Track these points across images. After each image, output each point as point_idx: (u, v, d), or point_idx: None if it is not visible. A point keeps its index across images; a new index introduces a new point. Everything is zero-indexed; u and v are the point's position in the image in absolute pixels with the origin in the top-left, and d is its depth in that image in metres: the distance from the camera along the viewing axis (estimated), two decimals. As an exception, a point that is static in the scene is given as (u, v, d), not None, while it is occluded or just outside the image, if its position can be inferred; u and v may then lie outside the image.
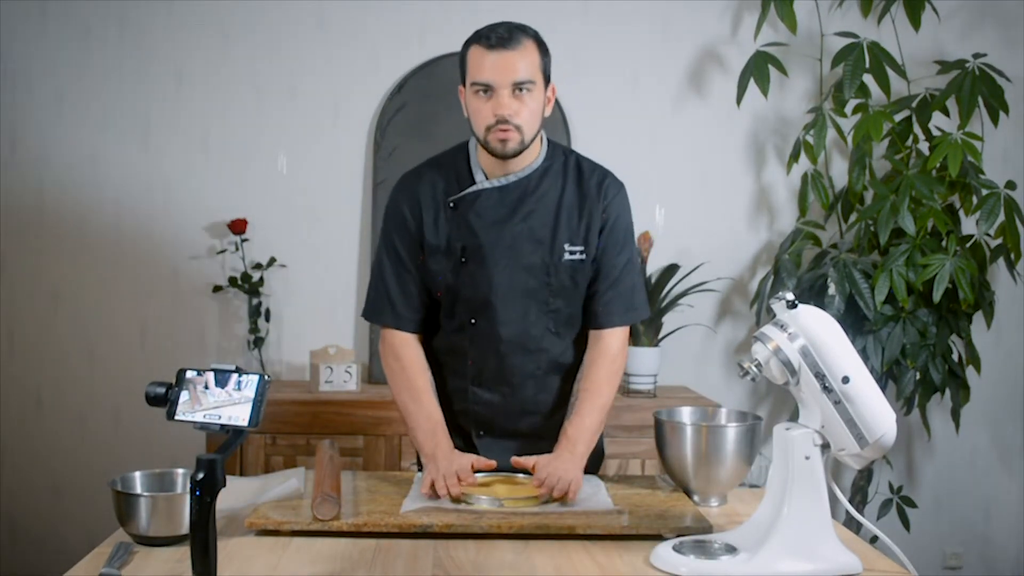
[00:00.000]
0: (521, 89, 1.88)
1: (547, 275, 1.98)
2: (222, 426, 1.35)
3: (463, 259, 1.98)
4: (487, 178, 2.00)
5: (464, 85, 1.95)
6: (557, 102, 2.74)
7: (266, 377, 1.37)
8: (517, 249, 1.97)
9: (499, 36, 1.88)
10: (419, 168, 2.07)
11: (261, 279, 3.34)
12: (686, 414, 1.99)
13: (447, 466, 1.85)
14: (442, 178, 2.02)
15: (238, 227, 3.30)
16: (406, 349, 2.04)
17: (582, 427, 1.95)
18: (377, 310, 2.06)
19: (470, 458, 1.90)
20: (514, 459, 1.90)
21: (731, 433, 1.86)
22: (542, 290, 1.99)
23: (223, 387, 1.36)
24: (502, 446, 2.04)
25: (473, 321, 2.00)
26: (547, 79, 1.96)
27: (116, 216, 3.40)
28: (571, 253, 1.99)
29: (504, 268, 1.97)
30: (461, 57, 1.95)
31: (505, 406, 2.04)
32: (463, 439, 2.08)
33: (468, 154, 2.03)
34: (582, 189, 2.01)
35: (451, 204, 2.00)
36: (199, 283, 3.41)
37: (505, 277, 1.97)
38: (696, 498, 1.88)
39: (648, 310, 2.10)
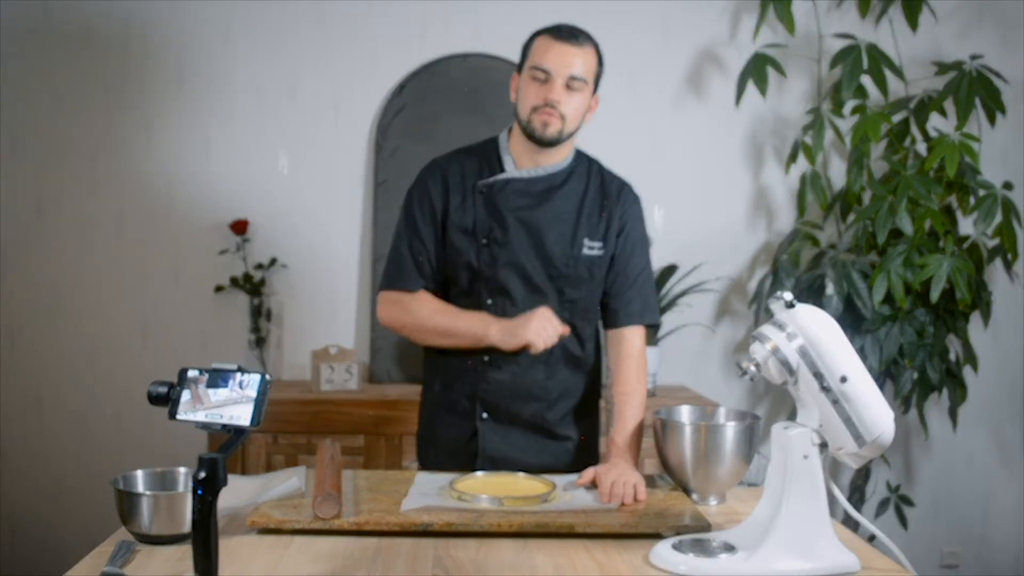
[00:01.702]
0: (574, 83, 1.98)
1: (566, 266, 2.05)
2: (224, 425, 1.36)
3: (485, 241, 2.04)
4: (516, 167, 2.06)
5: (520, 72, 2.04)
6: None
7: (267, 376, 1.37)
8: (539, 237, 2.04)
9: (569, 31, 2.00)
10: (449, 153, 2.15)
11: (262, 279, 3.35)
12: (685, 413, 2.01)
13: (527, 317, 1.96)
14: (472, 164, 2.10)
15: (239, 228, 3.31)
16: (415, 293, 2.07)
17: (626, 431, 2.01)
18: (403, 276, 2.08)
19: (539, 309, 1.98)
20: (578, 481, 1.90)
21: (730, 432, 1.86)
22: (559, 279, 2.06)
23: (225, 386, 1.37)
24: (502, 433, 2.09)
25: (490, 301, 2.06)
26: (595, 89, 2.05)
27: (117, 216, 3.41)
28: (590, 248, 2.07)
29: (525, 254, 2.03)
30: (525, 45, 2.04)
31: (513, 386, 2.07)
32: (468, 422, 2.10)
33: (497, 144, 2.11)
34: (604, 191, 2.11)
35: (481, 189, 2.06)
36: (201, 283, 3.41)
37: (525, 262, 2.04)
38: (695, 497, 1.89)
39: (659, 316, 2.16)
